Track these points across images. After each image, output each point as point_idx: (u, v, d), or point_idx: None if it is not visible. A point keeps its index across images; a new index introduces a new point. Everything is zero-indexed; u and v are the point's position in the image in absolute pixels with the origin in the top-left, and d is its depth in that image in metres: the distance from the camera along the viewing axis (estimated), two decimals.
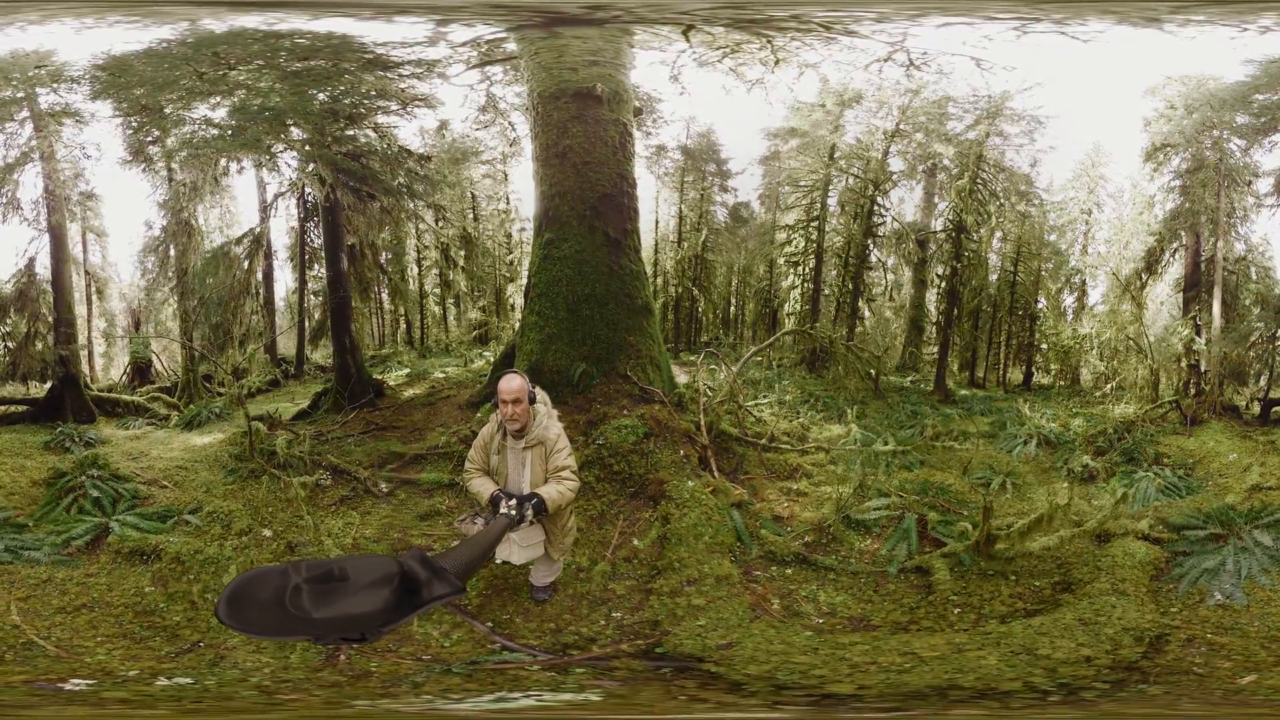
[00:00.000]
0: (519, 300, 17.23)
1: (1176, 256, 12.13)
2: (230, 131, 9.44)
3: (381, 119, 10.43)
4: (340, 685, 3.62)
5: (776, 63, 9.33)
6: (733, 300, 16.80)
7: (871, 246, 12.77)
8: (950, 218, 12.18)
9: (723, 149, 15.49)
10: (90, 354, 13.96)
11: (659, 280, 15.48)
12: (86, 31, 8.08)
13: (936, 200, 13.48)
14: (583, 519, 6.01)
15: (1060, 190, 14.15)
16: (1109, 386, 11.10)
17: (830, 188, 12.77)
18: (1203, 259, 11.81)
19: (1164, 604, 4.73)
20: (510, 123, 13.28)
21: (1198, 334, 10.95)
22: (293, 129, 9.63)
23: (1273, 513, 5.57)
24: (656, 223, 16.49)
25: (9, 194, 10.44)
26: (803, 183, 13.03)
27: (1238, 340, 10.58)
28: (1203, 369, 10.78)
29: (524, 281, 16.72)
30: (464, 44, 9.74)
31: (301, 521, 6.03)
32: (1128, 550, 5.25)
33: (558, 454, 4.06)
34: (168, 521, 5.94)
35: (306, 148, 9.66)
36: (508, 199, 18.09)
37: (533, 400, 4.10)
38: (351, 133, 10.14)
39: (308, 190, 11.63)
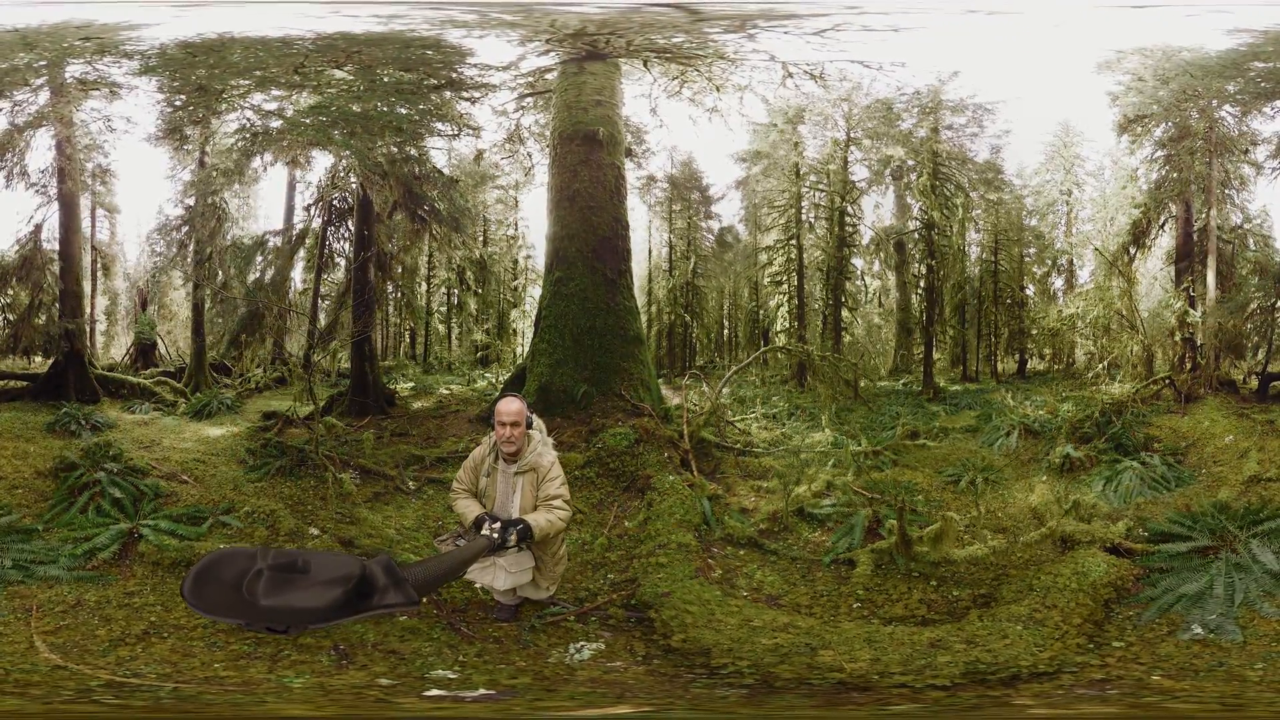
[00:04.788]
0: (521, 325, 17.91)
1: (1166, 229, 11.78)
2: (299, 127, 9.21)
3: (427, 140, 10.38)
4: (504, 643, 4.09)
5: (718, 89, 9.84)
6: (725, 323, 17.10)
7: (850, 256, 12.96)
8: (919, 216, 12.25)
9: (704, 176, 16.08)
10: (92, 332, 13.07)
11: (653, 309, 15.93)
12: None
13: (910, 202, 13.58)
14: (585, 505, 6.84)
15: (1035, 174, 14.02)
16: (1100, 366, 10.85)
17: (803, 204, 13.08)
18: (1195, 229, 11.43)
19: (1106, 636, 3.85)
20: (528, 152, 13.40)
21: (1191, 306, 10.59)
22: (353, 138, 9.27)
23: (1274, 514, 4.76)
24: (650, 251, 17.00)
25: (15, 158, 9.74)
26: (777, 202, 13.39)
27: (1234, 311, 10.17)
28: (1198, 343, 10.41)
29: (527, 307, 17.52)
30: (529, 73, 10.13)
31: (349, 518, 6.12)
32: (1082, 566, 4.54)
33: (550, 482, 4.02)
34: (203, 524, 5.26)
35: (377, 159, 9.45)
36: (516, 225, 18.79)
37: (529, 426, 4.09)
38: (409, 151, 10.07)
39: (334, 195, 11.44)
